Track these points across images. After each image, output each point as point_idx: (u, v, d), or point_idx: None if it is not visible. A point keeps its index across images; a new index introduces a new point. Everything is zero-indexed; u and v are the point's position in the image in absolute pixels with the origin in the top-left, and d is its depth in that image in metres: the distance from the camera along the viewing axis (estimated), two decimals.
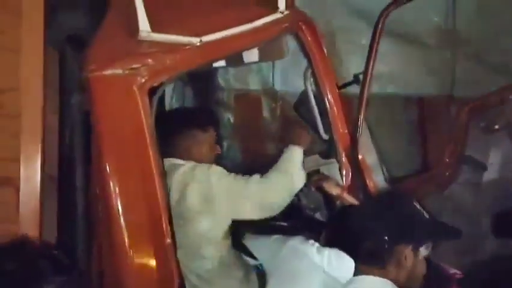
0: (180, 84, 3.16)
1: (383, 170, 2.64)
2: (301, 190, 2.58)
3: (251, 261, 2.09)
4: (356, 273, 1.44)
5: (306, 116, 2.46)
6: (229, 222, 1.96)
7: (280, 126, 3.41)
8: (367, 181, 2.55)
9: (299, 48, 2.34)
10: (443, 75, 3.85)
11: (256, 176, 1.98)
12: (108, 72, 1.64)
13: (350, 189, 2.43)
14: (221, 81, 3.33)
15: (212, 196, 1.88)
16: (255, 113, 3.46)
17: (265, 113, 3.48)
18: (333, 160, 2.46)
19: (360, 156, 2.57)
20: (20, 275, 0.88)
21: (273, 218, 2.26)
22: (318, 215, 2.34)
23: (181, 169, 1.90)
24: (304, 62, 3.20)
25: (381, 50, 3.49)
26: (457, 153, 2.58)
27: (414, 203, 1.47)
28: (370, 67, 2.53)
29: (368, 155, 2.61)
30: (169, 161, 1.93)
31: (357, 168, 2.51)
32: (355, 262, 1.45)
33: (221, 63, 2.45)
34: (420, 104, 3.87)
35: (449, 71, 3.87)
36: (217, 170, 1.94)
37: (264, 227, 2.24)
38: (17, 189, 1.45)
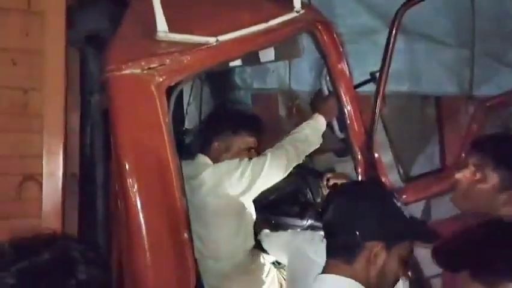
0: (198, 84, 3.19)
1: (398, 169, 2.64)
2: (316, 189, 2.63)
3: (269, 257, 2.12)
4: (323, 269, 1.34)
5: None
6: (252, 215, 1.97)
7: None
8: (382, 180, 2.56)
9: (315, 47, 2.34)
10: (461, 74, 3.83)
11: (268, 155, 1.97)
12: (127, 71, 1.68)
13: None
14: (238, 80, 3.35)
15: (229, 197, 1.90)
16: (272, 113, 3.48)
17: (282, 112, 3.49)
18: (348, 158, 2.47)
19: (376, 155, 2.58)
20: (54, 266, 0.91)
21: (289, 216, 2.29)
22: None
23: (205, 172, 1.93)
24: (320, 61, 3.24)
25: (398, 48, 3.49)
26: None
27: (394, 200, 1.34)
28: (386, 65, 2.53)
29: (383, 153, 2.62)
30: (199, 158, 1.96)
31: (373, 167, 2.52)
32: (326, 255, 1.34)
33: (237, 62, 2.48)
34: (438, 103, 3.85)
35: (467, 70, 3.84)
36: (231, 166, 1.95)
37: (281, 225, 2.27)
38: (40, 185, 1.49)
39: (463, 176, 1.62)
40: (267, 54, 2.39)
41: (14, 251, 0.93)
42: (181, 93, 2.64)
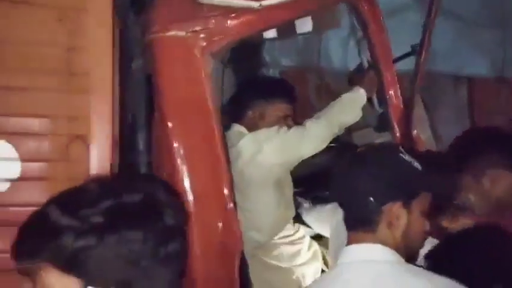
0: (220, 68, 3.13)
1: (438, 147, 2.58)
2: None
3: (308, 230, 2.07)
4: (347, 242, 1.25)
5: None
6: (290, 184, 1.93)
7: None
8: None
9: (355, 18, 2.28)
10: (493, 55, 3.73)
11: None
12: (171, 33, 1.65)
13: None
14: (267, 57, 3.29)
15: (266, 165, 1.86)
16: (300, 90, 3.41)
17: (311, 91, 3.43)
18: (387, 134, 2.41)
19: (414, 131, 2.52)
20: (143, 207, 0.85)
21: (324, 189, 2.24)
22: None
23: (242, 140, 1.88)
24: (351, 40, 3.16)
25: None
26: None
27: (401, 154, 1.23)
28: (426, 38, 2.46)
29: (422, 130, 2.55)
30: (234, 128, 1.92)
31: (411, 143, 2.45)
32: (347, 228, 1.27)
33: (272, 34, 2.42)
34: (471, 84, 3.76)
35: (499, 51, 3.75)
36: (269, 134, 1.89)
37: (315, 196, 2.22)
38: (87, 147, 1.45)
39: None
40: (304, 25, 2.32)
41: (100, 189, 0.86)
42: None
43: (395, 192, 1.21)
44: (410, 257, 1.23)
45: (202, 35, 1.69)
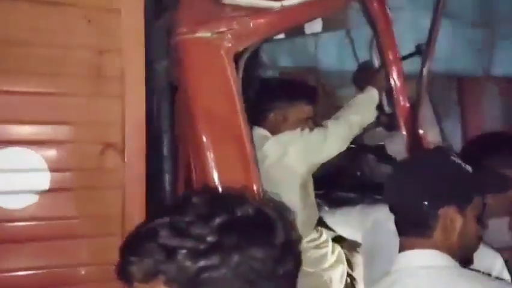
0: None
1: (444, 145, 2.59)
2: (366, 164, 2.56)
3: (330, 233, 2.04)
4: (401, 248, 1.23)
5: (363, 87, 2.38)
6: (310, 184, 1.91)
7: (322, 105, 3.34)
8: None
9: (364, 16, 2.27)
10: (482, 54, 3.82)
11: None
12: (198, 35, 1.60)
13: None
14: (265, 58, 3.26)
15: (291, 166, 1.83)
16: None
17: None
18: (398, 133, 2.41)
19: (421, 131, 2.53)
20: (257, 222, 0.78)
21: (342, 190, 2.22)
22: None
23: (267, 144, 1.84)
24: (348, 43, 3.16)
25: (424, 25, 3.44)
26: None
27: (453, 157, 1.22)
28: (433, 40, 2.48)
29: (430, 131, 2.56)
30: (256, 130, 1.88)
31: (418, 143, 2.46)
32: (399, 234, 1.25)
33: (281, 34, 2.38)
34: (460, 84, 3.83)
35: (487, 51, 3.84)
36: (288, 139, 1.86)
37: (334, 198, 2.20)
38: (122, 154, 1.38)
39: None
40: (314, 25, 2.30)
41: (209, 203, 0.78)
42: None
43: (449, 195, 1.20)
44: (464, 261, 1.22)
45: (227, 36, 1.65)
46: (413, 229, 1.21)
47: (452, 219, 1.18)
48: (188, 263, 0.73)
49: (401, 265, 1.21)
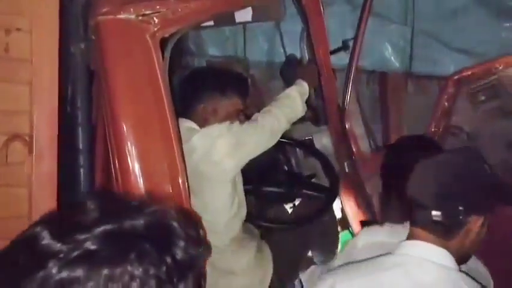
0: None
1: (370, 141, 2.63)
2: (295, 159, 2.54)
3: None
4: (409, 236, 1.21)
5: (292, 81, 2.34)
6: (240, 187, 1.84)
7: (251, 97, 3.28)
8: (353, 149, 2.54)
9: (296, 9, 2.23)
10: (403, 51, 3.94)
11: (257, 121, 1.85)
12: (121, 16, 1.47)
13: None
14: (193, 46, 3.13)
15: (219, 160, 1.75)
16: None
17: None
18: (325, 128, 2.41)
19: (347, 125, 2.55)
20: (149, 234, 0.69)
21: (268, 185, 2.17)
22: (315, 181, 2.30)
23: (194, 137, 1.74)
24: (276, 33, 3.13)
25: (347, 21, 3.49)
26: (442, 124, 2.62)
27: (486, 164, 1.20)
28: (361, 35, 2.50)
29: (356, 124, 2.60)
30: (183, 123, 1.77)
31: (344, 136, 2.49)
32: (413, 224, 1.21)
33: (209, 22, 2.28)
34: (382, 79, 3.93)
35: (408, 47, 3.96)
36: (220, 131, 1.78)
37: (261, 193, 2.15)
38: (30, 147, 1.22)
39: None
40: (244, 14, 2.22)
41: (99, 211, 0.69)
42: None
43: (484, 207, 1.19)
44: (460, 262, 1.22)
45: (153, 19, 1.53)
46: (434, 226, 1.18)
47: (474, 229, 1.18)
48: (53, 273, 0.63)
49: (408, 251, 1.20)
